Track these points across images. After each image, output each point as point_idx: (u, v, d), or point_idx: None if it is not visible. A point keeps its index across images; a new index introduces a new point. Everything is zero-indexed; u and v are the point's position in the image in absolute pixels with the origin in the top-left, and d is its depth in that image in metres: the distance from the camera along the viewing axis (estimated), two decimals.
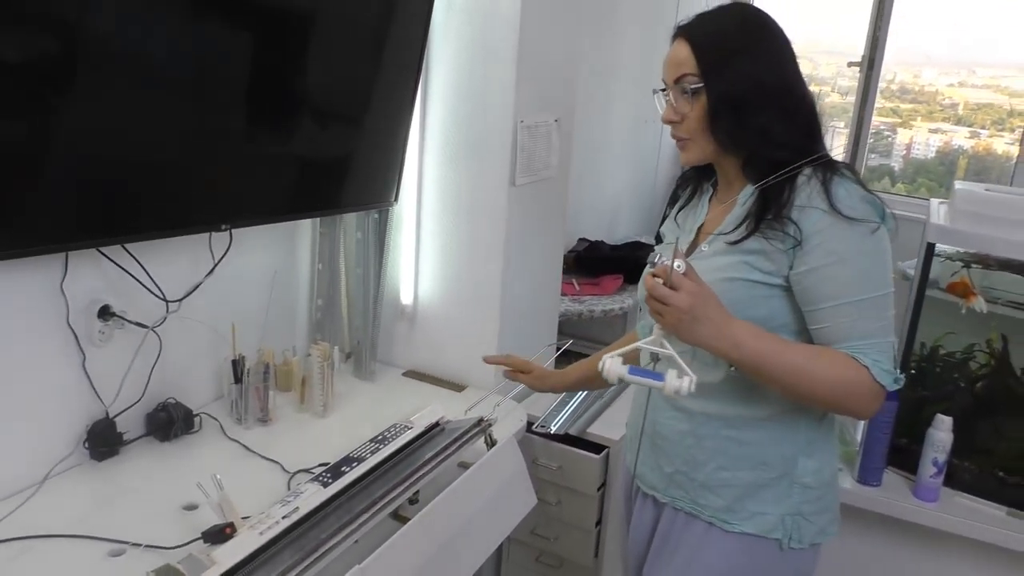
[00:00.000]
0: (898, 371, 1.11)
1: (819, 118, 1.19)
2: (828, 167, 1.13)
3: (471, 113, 1.82)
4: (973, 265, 1.56)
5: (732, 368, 1.16)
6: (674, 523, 1.28)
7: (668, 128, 1.24)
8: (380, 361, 2.04)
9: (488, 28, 1.76)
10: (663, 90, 1.21)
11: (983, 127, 3.62)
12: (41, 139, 1.21)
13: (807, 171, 1.13)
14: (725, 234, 1.19)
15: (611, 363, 1.09)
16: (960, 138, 3.70)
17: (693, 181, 1.35)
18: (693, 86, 1.15)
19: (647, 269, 1.15)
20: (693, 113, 1.17)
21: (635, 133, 3.00)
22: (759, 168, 1.17)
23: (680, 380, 1.04)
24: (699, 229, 1.28)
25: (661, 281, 1.05)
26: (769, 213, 1.13)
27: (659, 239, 1.42)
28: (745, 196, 1.20)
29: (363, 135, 1.76)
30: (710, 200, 1.30)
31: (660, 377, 1.06)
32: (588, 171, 2.67)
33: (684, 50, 1.16)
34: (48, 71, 1.19)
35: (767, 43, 1.17)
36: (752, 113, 1.14)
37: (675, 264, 1.05)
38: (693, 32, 1.17)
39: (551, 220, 2.06)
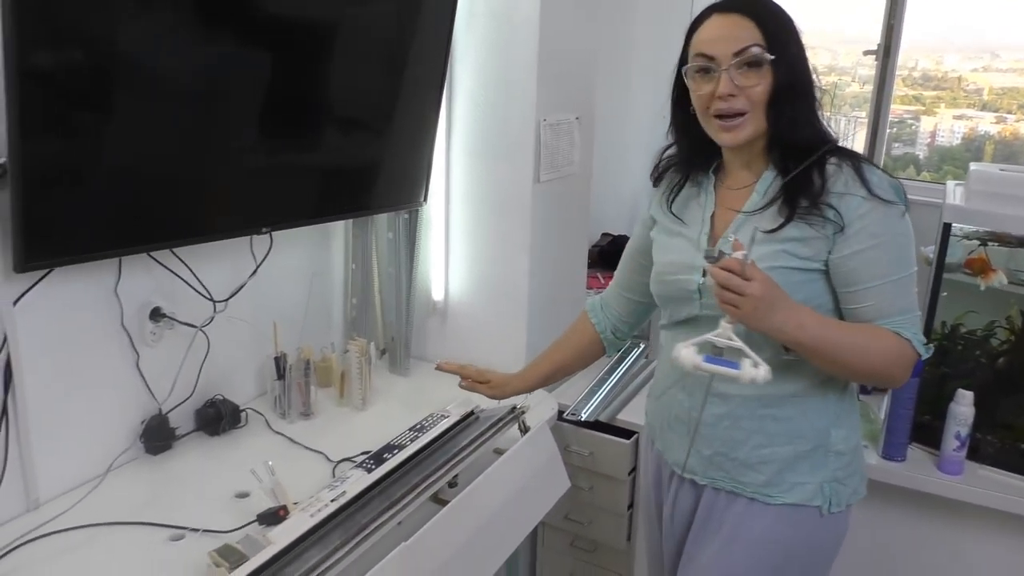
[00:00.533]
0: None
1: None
2: (851, 155, 1.19)
3: (495, 114, 1.89)
4: (990, 243, 1.60)
5: (787, 352, 1.18)
6: (716, 502, 1.31)
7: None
8: (414, 356, 2.11)
9: (509, 31, 1.83)
10: (701, 68, 1.20)
11: (1009, 112, 3.56)
12: (95, 155, 1.30)
13: (833, 159, 1.18)
14: (754, 220, 1.21)
15: (686, 352, 1.11)
16: (986, 123, 3.65)
17: (683, 167, 1.36)
18: (762, 58, 1.15)
19: (704, 263, 1.15)
20: (759, 87, 1.17)
21: (652, 129, 3.05)
22: (789, 152, 1.20)
23: (756, 369, 1.07)
24: (711, 217, 1.29)
25: (729, 274, 1.07)
26: (804, 200, 1.17)
27: (653, 221, 1.42)
28: (765, 184, 1.23)
29: (391, 140, 1.83)
30: (714, 188, 1.31)
31: (736, 366, 1.08)
32: (609, 167, 2.72)
33: (747, 23, 1.16)
34: (98, 93, 1.27)
35: (799, 32, 1.21)
36: (803, 95, 1.18)
37: (741, 255, 1.07)
38: (751, 8, 1.17)
39: (575, 215, 2.12)
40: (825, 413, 1.25)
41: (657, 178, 1.42)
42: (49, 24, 1.17)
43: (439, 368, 1.62)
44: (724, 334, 1.11)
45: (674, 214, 1.34)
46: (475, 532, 1.45)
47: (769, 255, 1.18)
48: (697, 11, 1.24)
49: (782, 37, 1.17)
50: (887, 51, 3.01)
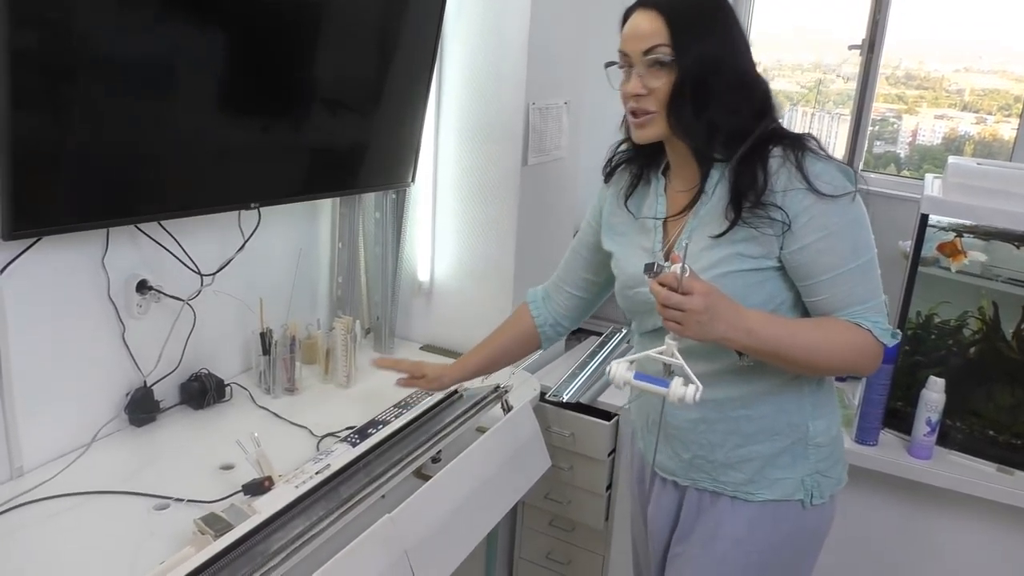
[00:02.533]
0: (894, 327, 1.18)
1: (773, 101, 1.19)
2: (795, 144, 1.15)
3: (485, 96, 1.90)
4: (965, 235, 1.64)
5: (742, 357, 1.18)
6: (700, 503, 1.31)
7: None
8: (398, 336, 2.13)
9: (500, 14, 1.84)
10: (620, 65, 1.19)
11: (989, 113, 3.59)
12: (82, 126, 1.30)
13: (777, 151, 1.15)
14: (703, 223, 1.20)
15: (617, 368, 1.09)
16: (966, 124, 3.66)
17: (636, 164, 1.33)
18: (666, 58, 1.13)
19: (646, 278, 1.10)
20: (662, 87, 1.15)
21: None
22: (714, 151, 1.17)
23: (685, 388, 1.05)
24: (663, 222, 1.27)
25: (668, 290, 1.04)
26: (747, 200, 1.14)
27: (603, 221, 1.39)
28: (712, 184, 1.20)
29: (380, 120, 1.84)
30: (664, 190, 1.29)
31: (665, 384, 1.07)
32: (598, 153, 2.74)
33: (655, 21, 1.14)
34: (87, 68, 1.28)
35: (729, 23, 1.17)
36: (716, 91, 1.14)
37: (678, 268, 1.04)
38: (663, 4, 1.15)
39: (562, 199, 2.14)
40: (801, 407, 1.25)
41: (608, 174, 1.39)
42: (38, 2, 1.17)
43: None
44: (668, 351, 1.08)
45: (628, 209, 1.32)
46: (457, 506, 1.48)
47: (723, 260, 1.17)
48: None
49: (691, 35, 1.13)
50: (871, 47, 3.05)
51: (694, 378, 1.06)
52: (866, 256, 1.16)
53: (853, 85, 3.41)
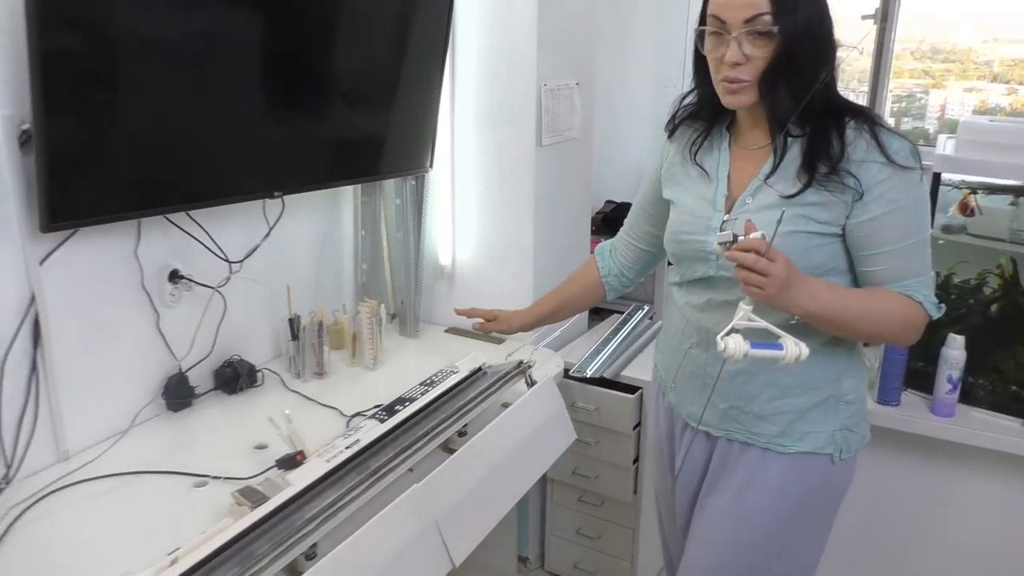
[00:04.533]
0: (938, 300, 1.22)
1: (838, 69, 1.22)
2: (868, 118, 1.19)
3: (497, 79, 1.94)
4: (979, 191, 1.65)
5: (794, 319, 1.18)
6: (729, 452, 1.35)
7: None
8: (423, 320, 2.17)
9: None
10: (714, 32, 1.20)
11: (1021, 83, 3.52)
12: (114, 121, 1.36)
13: (852, 123, 1.19)
14: (772, 185, 1.22)
15: (733, 342, 1.09)
16: (996, 96, 3.61)
17: (705, 120, 1.35)
18: (768, 28, 1.14)
19: (716, 243, 1.13)
20: (761, 56, 1.16)
21: (655, 97, 3.08)
22: (798, 116, 1.19)
23: (798, 348, 1.09)
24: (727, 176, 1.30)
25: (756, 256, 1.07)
26: (823, 166, 1.18)
27: (666, 174, 1.43)
28: (788, 146, 1.22)
29: (398, 109, 1.89)
30: (728, 146, 1.32)
31: (780, 347, 1.10)
32: (612, 135, 2.77)
33: None
34: (117, 64, 1.33)
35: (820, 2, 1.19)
36: (811, 61, 1.17)
37: (757, 235, 1.07)
38: None
39: (578, 179, 2.17)
40: (836, 365, 1.28)
41: (672, 129, 1.42)
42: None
43: (458, 313, 1.69)
44: (746, 316, 1.12)
45: (699, 164, 1.34)
46: (483, 478, 1.51)
47: (789, 219, 1.18)
48: None
49: (793, 5, 1.14)
50: (884, 16, 3.03)
51: (789, 336, 1.10)
52: (924, 232, 1.21)
53: (863, 62, 3.38)
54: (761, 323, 1.11)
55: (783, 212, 1.13)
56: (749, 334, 1.11)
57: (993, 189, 1.62)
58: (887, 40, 3.06)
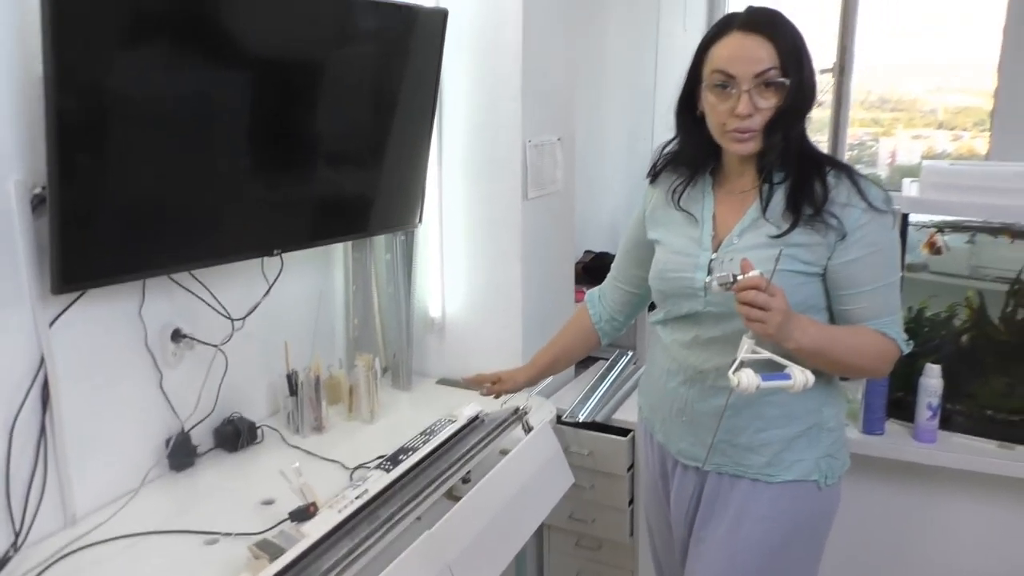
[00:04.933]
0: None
1: None
2: (846, 168, 1.30)
3: (484, 136, 2.02)
4: (946, 229, 1.76)
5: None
6: (720, 486, 1.40)
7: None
8: (415, 372, 2.20)
9: (495, 58, 1.97)
10: (719, 85, 1.26)
11: (964, 129, 3.72)
12: (124, 186, 1.41)
13: (832, 171, 1.29)
14: (760, 225, 1.30)
15: (746, 377, 1.14)
16: (943, 142, 3.79)
17: (689, 166, 1.41)
18: (778, 80, 1.23)
19: (713, 282, 1.19)
20: (769, 106, 1.24)
21: (627, 152, 3.21)
22: (786, 162, 1.29)
23: (804, 375, 1.14)
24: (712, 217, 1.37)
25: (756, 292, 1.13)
26: (808, 208, 1.26)
27: (650, 218, 1.50)
28: (773, 190, 1.30)
29: (387, 168, 1.95)
30: (712, 190, 1.39)
31: (788, 377, 1.15)
32: (588, 188, 2.87)
33: (766, 46, 1.23)
34: (128, 133, 1.39)
35: (810, 55, 1.28)
36: (803, 114, 1.27)
37: (754, 273, 1.14)
38: (771, 30, 1.24)
39: (561, 230, 2.25)
40: (817, 395, 1.34)
41: (655, 175, 1.50)
42: (84, 73, 1.29)
43: (466, 383, 1.71)
44: (750, 350, 1.17)
45: (683, 208, 1.40)
46: (490, 522, 1.54)
47: (774, 258, 1.23)
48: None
49: (796, 60, 1.24)
50: (842, 69, 3.22)
51: (793, 364, 1.17)
52: (896, 276, 1.31)
53: (821, 112, 3.54)
54: (766, 354, 1.17)
55: (780, 251, 1.21)
56: (754, 367, 1.16)
57: (957, 227, 1.73)
58: (845, 92, 3.24)
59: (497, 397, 1.71)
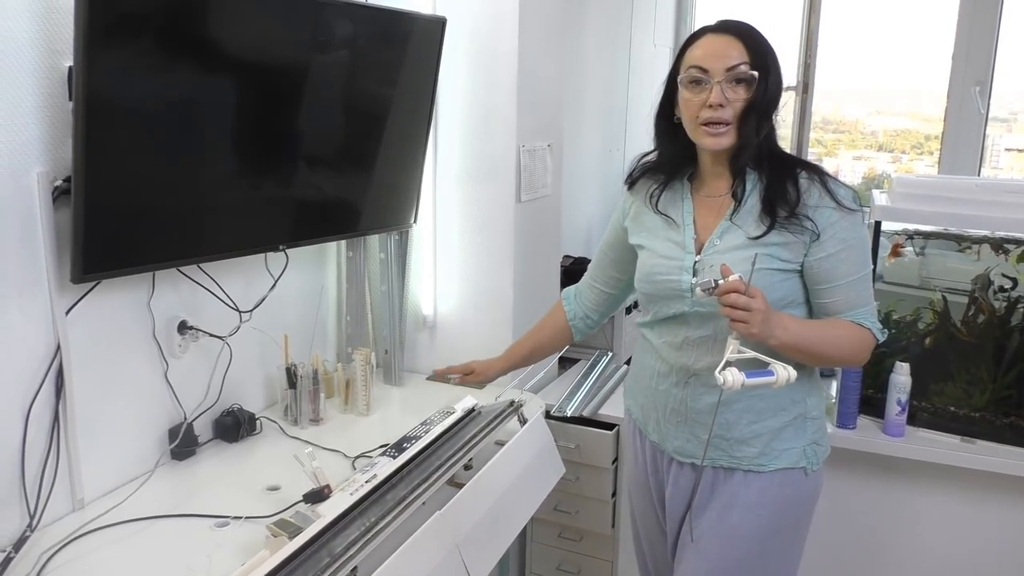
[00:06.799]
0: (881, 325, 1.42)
1: None
2: (816, 170, 1.40)
3: (479, 139, 2.10)
4: (915, 237, 1.89)
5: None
6: (716, 478, 1.48)
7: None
8: (406, 369, 2.26)
9: (491, 64, 2.05)
10: (694, 80, 1.36)
11: (903, 152, 3.87)
12: (143, 179, 1.45)
13: (804, 173, 1.38)
14: (738, 226, 1.39)
15: (731, 376, 1.21)
16: (883, 163, 3.94)
17: (665, 174, 1.51)
18: (748, 74, 1.33)
19: (696, 287, 1.27)
20: (740, 99, 1.34)
21: (602, 160, 3.31)
22: (760, 165, 1.38)
23: (787, 371, 1.22)
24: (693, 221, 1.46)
25: (736, 294, 1.21)
26: (782, 210, 1.36)
27: (628, 222, 1.58)
28: (746, 192, 1.40)
29: (384, 170, 2.01)
30: (690, 194, 1.48)
31: (771, 374, 1.23)
32: (566, 194, 2.95)
33: (736, 44, 1.34)
34: (152, 128, 1.44)
35: (776, 58, 1.39)
36: (771, 111, 1.37)
37: (734, 277, 1.22)
38: (741, 31, 1.36)
39: (550, 233, 2.34)
40: (801, 386, 1.43)
41: (632, 182, 1.58)
42: (113, 69, 1.33)
43: (435, 376, 1.78)
44: (735, 350, 1.25)
45: (661, 212, 1.50)
46: (491, 506, 1.61)
47: (751, 261, 1.31)
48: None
49: (765, 60, 1.35)
50: (805, 88, 3.37)
51: (775, 360, 1.24)
52: (869, 267, 1.41)
53: (783, 130, 3.68)
54: (751, 353, 1.26)
55: (756, 255, 1.30)
56: (740, 365, 1.24)
57: (928, 235, 1.87)
58: (807, 110, 3.40)
59: (469, 385, 1.79)
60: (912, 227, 1.89)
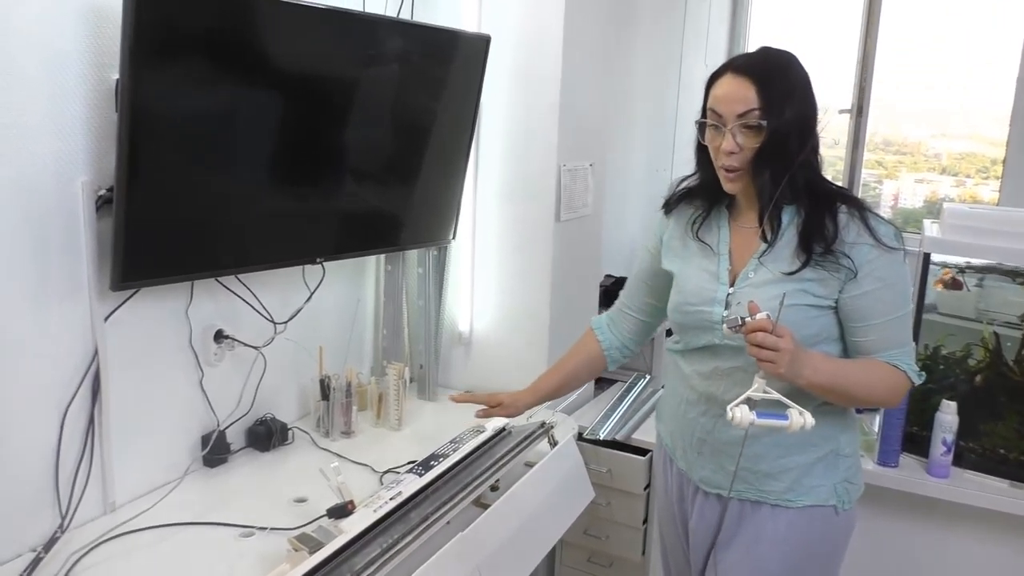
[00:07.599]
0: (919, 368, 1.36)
1: (820, 155, 1.37)
2: (858, 204, 1.35)
3: (521, 159, 2.09)
4: (967, 270, 1.82)
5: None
6: (742, 511, 1.44)
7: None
8: (440, 385, 2.26)
9: (534, 86, 2.04)
10: (712, 124, 1.34)
11: (968, 176, 3.75)
12: (183, 191, 1.48)
13: (844, 208, 1.33)
14: (769, 262, 1.35)
15: (740, 412, 1.18)
16: (946, 187, 3.83)
17: (705, 200, 1.47)
18: (757, 122, 1.28)
19: (725, 327, 1.24)
20: (751, 146, 1.30)
21: (648, 180, 3.28)
22: (790, 198, 1.33)
23: (803, 418, 1.17)
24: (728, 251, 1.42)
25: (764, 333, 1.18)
26: (819, 246, 1.32)
27: (664, 248, 1.54)
28: (783, 226, 1.36)
29: (425, 185, 2.02)
30: (728, 223, 1.44)
31: (784, 417, 1.19)
32: (611, 213, 2.93)
33: (749, 88, 1.29)
34: (193, 143, 1.46)
35: (807, 89, 1.33)
36: (791, 152, 1.30)
37: (762, 315, 1.19)
38: (756, 73, 1.30)
39: (589, 253, 2.32)
40: (833, 423, 1.39)
41: (668, 207, 1.55)
42: (158, 82, 1.36)
43: (452, 400, 1.68)
44: (760, 388, 1.21)
45: (701, 240, 1.46)
46: (516, 529, 1.59)
47: (789, 295, 1.28)
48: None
49: (779, 102, 1.28)
50: (860, 110, 3.30)
51: (796, 405, 1.19)
52: (907, 308, 1.35)
53: (836, 151, 3.60)
54: (775, 395, 1.22)
55: (784, 294, 1.25)
56: (762, 404, 1.21)
57: (978, 269, 1.80)
58: (861, 132, 3.32)
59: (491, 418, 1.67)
60: (963, 260, 1.82)
